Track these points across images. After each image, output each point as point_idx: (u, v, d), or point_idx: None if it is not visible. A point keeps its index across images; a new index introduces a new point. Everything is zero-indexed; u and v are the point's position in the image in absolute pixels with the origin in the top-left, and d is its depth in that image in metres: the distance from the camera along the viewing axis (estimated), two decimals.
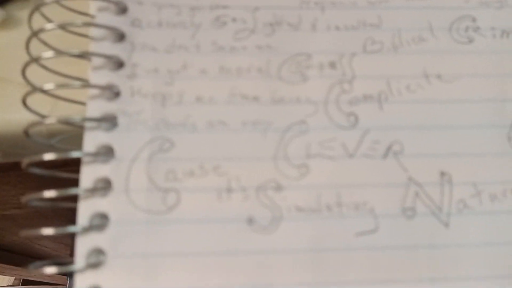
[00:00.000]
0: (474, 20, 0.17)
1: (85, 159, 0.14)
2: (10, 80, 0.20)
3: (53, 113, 0.16)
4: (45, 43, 0.16)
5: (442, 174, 0.15)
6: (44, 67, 0.16)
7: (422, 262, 0.14)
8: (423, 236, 0.14)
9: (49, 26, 0.15)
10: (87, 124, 0.14)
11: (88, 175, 0.14)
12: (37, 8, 0.16)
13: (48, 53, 0.15)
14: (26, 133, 0.15)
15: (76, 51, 0.15)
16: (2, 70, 0.20)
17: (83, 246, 0.13)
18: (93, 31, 0.15)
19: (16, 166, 0.28)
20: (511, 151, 0.15)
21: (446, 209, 0.14)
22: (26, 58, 0.17)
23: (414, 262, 0.14)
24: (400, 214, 0.14)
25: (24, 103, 0.15)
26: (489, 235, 0.14)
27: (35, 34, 0.15)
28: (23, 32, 0.21)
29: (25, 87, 0.20)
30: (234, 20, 0.16)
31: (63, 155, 0.14)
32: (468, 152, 0.15)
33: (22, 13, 0.21)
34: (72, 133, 0.17)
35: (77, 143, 0.15)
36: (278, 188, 0.14)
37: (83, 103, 0.15)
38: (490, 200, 0.15)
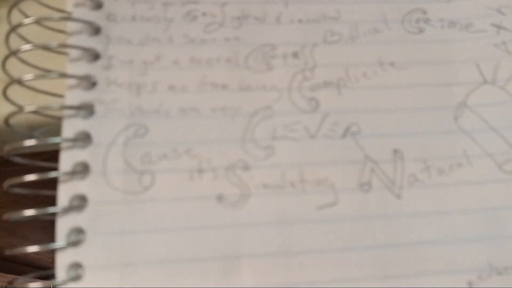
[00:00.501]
0: (424, 12, 0.19)
1: (63, 145, 0.15)
2: None
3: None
4: (23, 38, 0.17)
5: (395, 151, 0.16)
6: (23, 60, 0.17)
7: (377, 230, 0.15)
8: (378, 207, 0.16)
9: (27, 20, 0.16)
10: (66, 112, 0.15)
11: (67, 160, 0.15)
12: (15, 4, 0.17)
13: (27, 46, 0.16)
14: (6, 123, 0.16)
15: (54, 44, 0.16)
16: None
17: (63, 226, 0.14)
18: (70, 26, 0.16)
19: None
20: (456, 130, 0.17)
21: (399, 182, 0.16)
22: (4, 52, 0.18)
23: (370, 231, 0.15)
24: (357, 188, 0.16)
25: (4, 94, 0.16)
26: (437, 205, 0.16)
27: (14, 28, 0.16)
28: (1, 29, 0.22)
29: (4, 81, 0.20)
30: (204, 14, 0.18)
31: (43, 142, 0.15)
32: (418, 131, 0.17)
33: None
34: (51, 127, 0.18)
35: (55, 136, 0.16)
36: (246, 167, 0.15)
37: (61, 96, 0.16)
38: (438, 173, 0.16)
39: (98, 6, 0.17)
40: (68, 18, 0.16)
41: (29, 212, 0.14)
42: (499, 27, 0.18)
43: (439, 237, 0.15)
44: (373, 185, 0.16)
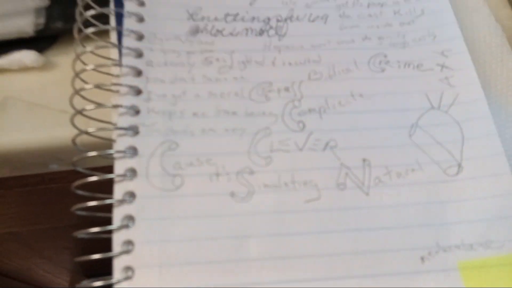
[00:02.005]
0: (385, 56, 0.24)
1: (117, 156, 0.20)
2: (48, 107, 0.26)
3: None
4: (83, 80, 0.22)
5: (364, 160, 0.21)
6: (84, 97, 0.22)
7: (351, 219, 0.20)
8: (351, 202, 0.21)
9: (89, 67, 0.22)
10: (118, 132, 0.21)
11: (120, 166, 0.20)
12: (78, 56, 0.22)
13: (89, 86, 0.21)
14: (73, 142, 0.21)
15: (110, 83, 0.22)
16: (42, 100, 0.26)
17: (118, 214, 0.19)
18: (121, 70, 0.22)
19: (19, 182, 0.33)
20: (410, 144, 0.22)
21: (367, 183, 0.21)
22: (60, 92, 0.23)
23: (345, 219, 0.20)
24: (335, 187, 0.21)
25: (72, 122, 0.21)
26: (396, 200, 0.21)
27: (77, 74, 0.22)
28: (58, 72, 0.28)
29: (59, 112, 0.26)
30: (217, 60, 0.23)
31: (103, 153, 0.20)
32: (382, 145, 0.22)
33: (56, 58, 0.28)
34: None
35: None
36: (251, 172, 0.21)
37: (108, 122, 0.22)
38: (397, 176, 0.21)
39: (140, 55, 0.23)
40: (119, 64, 0.22)
41: (93, 203, 0.19)
42: (442, 66, 0.24)
43: (398, 223, 0.20)
44: (347, 185, 0.21)
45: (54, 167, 0.28)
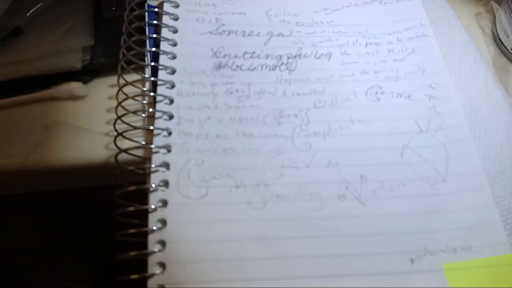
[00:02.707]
0: (381, 88, 0.28)
1: (153, 169, 0.24)
2: (90, 130, 0.31)
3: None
4: (124, 108, 0.27)
5: (361, 176, 0.25)
6: (124, 121, 0.26)
7: (349, 225, 0.23)
8: (350, 211, 0.24)
9: (130, 96, 0.26)
10: (155, 149, 0.25)
11: (155, 178, 0.24)
12: (121, 88, 0.27)
13: (130, 113, 0.26)
14: (115, 159, 0.25)
15: (147, 111, 0.26)
16: (86, 124, 0.31)
17: (153, 218, 0.23)
18: (157, 98, 0.26)
19: (38, 198, 0.37)
20: (402, 162, 0.25)
21: (364, 195, 0.24)
22: (101, 117, 0.28)
23: (344, 225, 0.23)
24: (336, 199, 0.24)
25: (114, 142, 0.25)
26: (389, 209, 0.24)
27: (120, 103, 0.26)
28: (99, 100, 0.32)
29: (100, 134, 0.30)
30: (237, 90, 0.28)
31: (141, 167, 0.24)
32: (377, 163, 0.25)
33: (98, 88, 0.33)
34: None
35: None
36: (266, 185, 0.24)
37: (147, 143, 0.26)
38: (390, 190, 0.25)
39: (172, 86, 0.27)
40: (155, 94, 0.27)
41: (132, 208, 0.23)
42: (430, 96, 0.28)
43: (390, 230, 0.23)
44: (346, 197, 0.24)
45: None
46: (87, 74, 0.33)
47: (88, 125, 0.31)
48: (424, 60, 0.29)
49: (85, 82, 0.32)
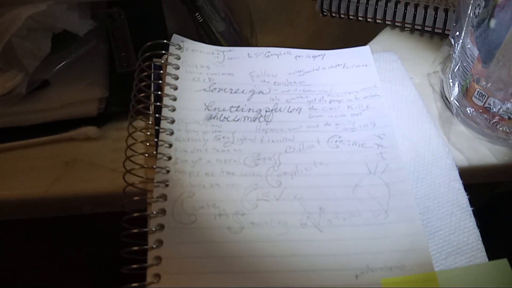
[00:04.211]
0: (340, 137, 0.35)
1: (154, 200, 0.30)
2: (103, 166, 0.37)
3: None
4: (133, 150, 0.33)
5: (320, 208, 0.31)
6: (133, 161, 0.33)
7: (308, 247, 0.29)
8: (309, 236, 0.30)
9: (138, 140, 0.33)
10: (155, 184, 0.31)
11: (155, 207, 0.30)
12: (130, 134, 0.34)
13: (137, 154, 0.32)
14: (124, 191, 0.31)
15: (150, 152, 0.33)
16: (99, 161, 0.37)
17: (152, 239, 0.29)
18: (159, 142, 0.33)
19: (47, 223, 0.42)
20: (354, 198, 0.32)
21: (322, 223, 0.31)
22: (112, 156, 0.34)
23: (305, 247, 0.29)
24: (299, 226, 0.30)
25: (124, 178, 0.32)
26: (341, 235, 0.30)
27: (129, 146, 0.33)
28: (111, 142, 0.39)
29: (110, 169, 0.36)
30: (223, 137, 0.34)
31: (143, 198, 0.30)
32: (333, 198, 0.32)
33: (110, 131, 0.39)
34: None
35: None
36: (243, 214, 0.31)
37: (150, 178, 0.32)
38: (342, 219, 0.31)
39: (171, 133, 0.34)
40: (158, 140, 0.33)
41: (134, 229, 0.29)
42: (378, 145, 0.35)
43: (341, 252, 0.29)
44: (307, 225, 0.30)
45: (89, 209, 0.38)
46: (101, 119, 0.40)
47: (100, 161, 0.37)
48: (375, 115, 0.36)
49: (99, 126, 0.39)
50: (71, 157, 0.37)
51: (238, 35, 0.66)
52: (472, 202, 0.33)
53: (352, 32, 0.67)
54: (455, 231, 0.32)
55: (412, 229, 0.30)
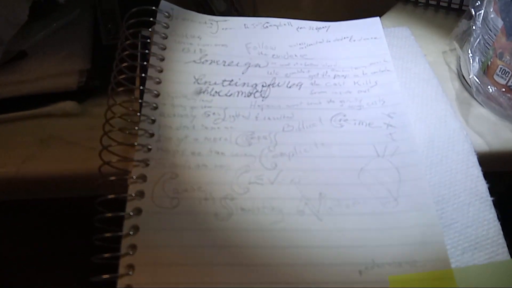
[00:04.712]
0: (344, 115, 0.31)
1: (131, 181, 0.27)
2: (81, 145, 0.33)
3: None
4: (111, 125, 0.30)
5: (320, 193, 0.27)
6: (110, 137, 0.29)
7: (306, 238, 0.26)
8: (308, 225, 0.26)
9: (117, 115, 0.29)
10: (134, 163, 0.27)
11: (132, 189, 0.27)
12: (110, 107, 0.30)
13: (115, 129, 0.29)
14: (99, 170, 0.28)
15: (131, 129, 0.29)
16: (74, 138, 0.34)
17: (128, 224, 0.25)
18: (140, 118, 0.30)
19: (30, 206, 0.39)
20: (358, 183, 0.28)
21: (321, 211, 0.27)
22: (92, 134, 0.30)
23: (302, 238, 0.26)
24: (296, 213, 0.27)
25: (100, 155, 0.28)
26: (343, 225, 0.26)
27: (107, 120, 0.29)
28: (91, 119, 0.35)
29: (88, 148, 0.33)
30: (214, 113, 0.31)
31: (120, 178, 0.27)
32: (335, 183, 0.28)
33: (91, 108, 0.36)
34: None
35: None
36: (232, 198, 0.27)
37: (128, 157, 0.29)
38: (345, 207, 0.27)
39: (155, 108, 0.30)
40: (140, 114, 0.30)
41: (109, 214, 0.25)
42: (388, 124, 0.31)
43: (343, 243, 0.26)
44: (305, 212, 0.27)
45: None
46: (82, 94, 0.36)
47: (79, 140, 0.34)
48: (384, 93, 0.32)
49: (79, 101, 0.36)
50: (47, 134, 0.34)
51: (240, 16, 0.62)
52: (492, 191, 0.30)
53: (360, 14, 0.63)
54: (473, 223, 0.28)
55: (425, 219, 0.26)
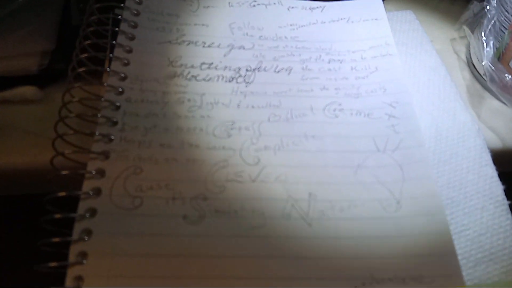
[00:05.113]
0: (340, 104, 0.27)
1: (87, 176, 0.23)
2: (40, 135, 0.29)
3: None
4: (69, 110, 0.26)
5: (310, 194, 0.23)
6: (67, 124, 0.25)
7: (292, 247, 0.22)
8: (294, 231, 0.22)
9: (75, 99, 0.25)
10: (91, 156, 0.23)
11: (88, 185, 0.22)
12: (69, 89, 0.26)
13: (72, 114, 0.25)
14: (51, 162, 0.24)
15: (91, 115, 0.25)
16: (36, 129, 0.30)
17: (78, 227, 0.21)
18: (102, 103, 0.25)
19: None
20: (355, 182, 0.24)
21: (311, 215, 0.23)
22: (53, 123, 0.26)
23: (287, 246, 0.22)
24: (280, 217, 0.22)
25: (53, 145, 0.24)
26: (337, 232, 0.22)
27: (65, 104, 0.25)
28: (54, 106, 0.31)
29: (49, 139, 0.29)
30: (189, 100, 0.27)
31: (73, 173, 0.22)
32: (328, 181, 0.24)
33: (55, 94, 0.31)
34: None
35: None
36: (205, 198, 0.23)
37: (84, 147, 0.24)
38: (339, 211, 0.23)
39: (121, 93, 0.26)
40: (102, 99, 0.26)
41: (59, 215, 0.21)
42: (390, 115, 0.27)
43: (336, 254, 0.22)
44: (292, 216, 0.23)
45: None
46: (44, 78, 0.32)
47: (39, 129, 0.29)
48: (386, 79, 0.28)
49: (41, 86, 0.31)
50: (2, 123, 0.30)
51: None
52: (508, 194, 0.26)
53: None
54: (487, 230, 0.24)
55: (433, 226, 0.22)
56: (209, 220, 0.22)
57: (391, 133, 0.26)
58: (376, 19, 0.32)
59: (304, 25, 0.31)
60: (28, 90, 0.31)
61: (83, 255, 0.21)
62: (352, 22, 0.32)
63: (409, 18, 0.36)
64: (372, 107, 0.27)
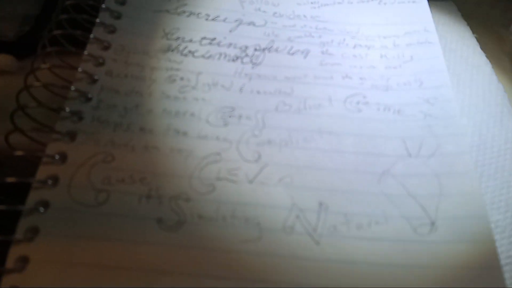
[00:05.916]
0: (364, 97, 0.22)
1: (44, 160, 0.18)
2: (7, 109, 0.25)
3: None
4: (38, 79, 0.21)
5: (321, 204, 0.19)
6: (31, 94, 0.21)
7: (293, 269, 0.17)
8: (297, 249, 0.17)
9: (44, 66, 0.21)
10: (53, 136, 0.19)
11: (43, 172, 0.18)
12: (40, 55, 0.22)
13: (38, 83, 0.20)
14: (6, 138, 0.19)
15: (59, 85, 0.20)
16: (7, 102, 0.26)
17: (23, 224, 0.17)
18: (76, 74, 0.21)
19: None
20: (378, 192, 0.19)
21: (320, 230, 0.18)
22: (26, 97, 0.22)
23: (285, 269, 0.17)
24: (281, 230, 0.18)
25: (11, 118, 0.20)
26: (352, 255, 0.17)
27: (32, 71, 0.21)
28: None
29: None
30: (182, 79, 0.22)
31: (28, 154, 0.18)
32: (344, 189, 0.19)
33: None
34: None
35: None
36: (188, 199, 0.18)
37: (47, 124, 0.20)
38: (356, 228, 0.18)
39: (101, 64, 0.22)
40: (76, 69, 0.21)
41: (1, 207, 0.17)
42: (426, 114, 0.22)
43: (348, 283, 0.17)
44: (295, 230, 0.18)
45: None
46: (23, 47, 0.28)
47: (7, 104, 0.25)
48: (423, 71, 0.23)
49: (18, 56, 0.27)
50: None
51: None
52: None
53: None
54: None
55: (479, 257, 0.17)
56: (190, 227, 0.17)
57: (426, 135, 0.21)
58: (414, 1, 0.27)
59: (327, 4, 0.27)
60: (3, 60, 0.27)
61: (24, 260, 0.16)
62: (385, 3, 0.27)
63: (449, 9, 0.31)
64: (404, 103, 0.22)
